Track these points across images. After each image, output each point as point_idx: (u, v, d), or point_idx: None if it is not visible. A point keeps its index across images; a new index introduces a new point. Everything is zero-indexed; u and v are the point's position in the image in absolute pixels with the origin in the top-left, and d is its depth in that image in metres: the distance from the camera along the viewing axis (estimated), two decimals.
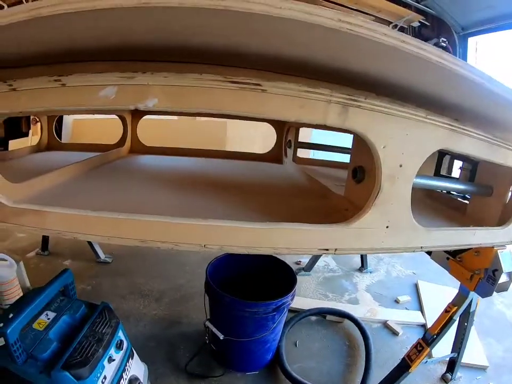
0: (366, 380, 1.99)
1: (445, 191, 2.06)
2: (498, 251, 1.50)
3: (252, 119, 2.52)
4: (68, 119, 5.20)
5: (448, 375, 2.08)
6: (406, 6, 5.62)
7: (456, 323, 1.81)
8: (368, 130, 1.04)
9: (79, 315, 1.57)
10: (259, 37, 0.86)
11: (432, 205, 1.95)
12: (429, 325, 2.02)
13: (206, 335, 2.07)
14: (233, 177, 2.22)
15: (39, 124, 2.90)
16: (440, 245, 1.34)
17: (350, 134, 1.26)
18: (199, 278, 2.90)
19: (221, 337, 1.90)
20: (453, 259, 1.70)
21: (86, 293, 2.71)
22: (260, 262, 2.29)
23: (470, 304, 1.75)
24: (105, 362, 1.43)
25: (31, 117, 4.34)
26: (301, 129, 2.76)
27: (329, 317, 2.64)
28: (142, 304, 2.65)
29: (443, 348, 1.95)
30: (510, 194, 1.50)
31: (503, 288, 1.54)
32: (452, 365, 2.07)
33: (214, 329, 1.94)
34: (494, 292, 1.53)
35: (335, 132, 2.63)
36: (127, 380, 1.56)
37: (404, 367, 1.81)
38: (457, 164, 2.15)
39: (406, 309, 2.88)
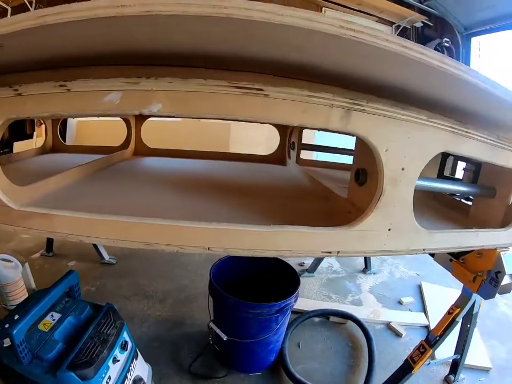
0: (369, 381, 1.99)
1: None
2: (501, 253, 1.50)
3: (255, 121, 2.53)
4: (72, 121, 5.24)
5: (451, 377, 2.08)
6: (409, 6, 5.61)
7: (459, 325, 1.81)
8: (370, 134, 1.05)
9: (84, 316, 1.59)
10: (261, 43, 0.86)
11: (435, 206, 1.95)
12: (432, 327, 2.02)
13: (209, 336, 2.07)
14: (237, 179, 2.23)
15: (43, 125, 2.92)
16: (442, 247, 1.34)
17: (353, 136, 1.26)
18: (202, 278, 2.92)
19: (225, 338, 1.91)
20: (456, 261, 1.69)
21: (91, 294, 2.74)
22: (264, 263, 2.29)
23: (473, 306, 1.75)
24: (110, 362, 1.44)
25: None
26: (304, 131, 2.76)
27: (332, 318, 2.64)
28: (146, 305, 2.66)
29: (446, 349, 1.95)
30: None
31: (506, 290, 1.54)
32: (455, 366, 2.06)
33: (218, 330, 1.95)
34: (497, 294, 1.53)
35: (338, 134, 2.63)
36: (131, 380, 1.57)
37: (406, 368, 1.81)
38: (461, 164, 2.15)
39: (410, 310, 2.87)
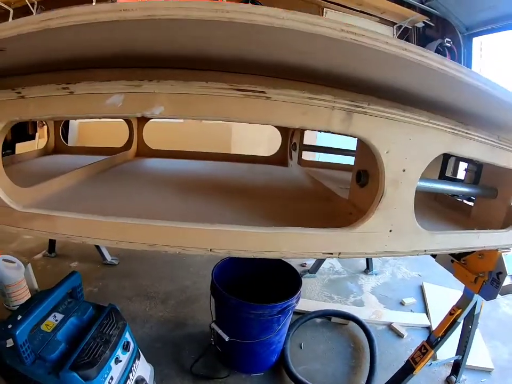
0: (371, 382, 1.99)
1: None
2: (503, 254, 1.50)
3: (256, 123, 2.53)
4: (74, 122, 5.25)
5: (453, 378, 2.08)
6: (411, 6, 5.61)
7: (460, 325, 1.81)
8: (371, 136, 1.05)
9: (86, 317, 1.60)
10: (263, 46, 0.87)
11: (436, 207, 1.95)
12: (434, 327, 2.02)
13: (211, 336, 2.08)
14: (238, 181, 2.24)
15: (45, 127, 2.93)
16: (443, 248, 1.34)
17: (354, 138, 1.27)
18: (204, 279, 2.93)
19: (226, 339, 1.91)
20: (457, 262, 1.70)
21: (93, 294, 2.74)
22: (265, 264, 2.30)
23: (474, 307, 1.75)
24: (112, 363, 1.45)
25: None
26: (306, 132, 2.76)
27: (334, 319, 2.65)
28: (148, 306, 2.67)
29: (448, 350, 1.95)
30: None
31: (508, 291, 1.54)
32: (457, 367, 2.06)
33: (220, 331, 1.95)
34: (499, 295, 1.53)
35: (340, 135, 2.63)
36: (133, 380, 1.58)
37: (408, 369, 1.82)
38: (463, 165, 2.15)
39: (411, 311, 2.87)
